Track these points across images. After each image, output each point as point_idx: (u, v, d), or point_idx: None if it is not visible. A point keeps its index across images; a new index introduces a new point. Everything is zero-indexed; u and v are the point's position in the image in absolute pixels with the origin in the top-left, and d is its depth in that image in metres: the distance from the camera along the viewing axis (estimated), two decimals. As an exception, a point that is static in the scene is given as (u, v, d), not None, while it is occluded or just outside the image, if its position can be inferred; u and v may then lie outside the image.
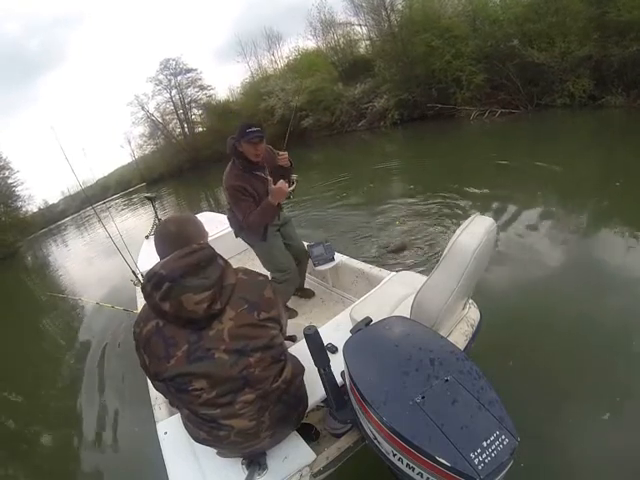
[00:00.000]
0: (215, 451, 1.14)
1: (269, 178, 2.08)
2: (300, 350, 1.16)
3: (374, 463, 0.98)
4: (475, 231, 1.24)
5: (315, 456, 1.18)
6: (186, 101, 24.13)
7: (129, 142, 27.06)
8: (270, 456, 1.18)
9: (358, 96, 14.43)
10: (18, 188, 20.83)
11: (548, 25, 8.31)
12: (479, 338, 1.54)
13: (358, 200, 5.56)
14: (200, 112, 24.23)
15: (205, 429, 1.07)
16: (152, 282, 0.97)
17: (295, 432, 1.24)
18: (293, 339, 1.32)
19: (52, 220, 25.81)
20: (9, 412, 3.09)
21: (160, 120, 24.54)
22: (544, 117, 8.06)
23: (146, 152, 26.34)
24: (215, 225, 3.10)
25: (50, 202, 32.16)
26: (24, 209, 21.27)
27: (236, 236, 2.30)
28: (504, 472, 0.75)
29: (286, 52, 20.94)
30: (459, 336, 1.46)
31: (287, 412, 1.14)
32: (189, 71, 23.87)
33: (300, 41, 19.22)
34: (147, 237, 4.10)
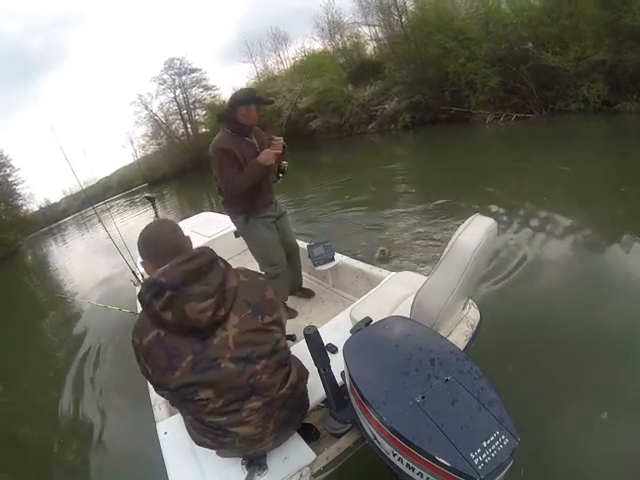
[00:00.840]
0: (215, 451, 1.14)
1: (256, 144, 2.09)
2: (300, 350, 1.16)
3: (374, 463, 0.98)
4: (475, 231, 1.24)
5: (315, 456, 1.18)
6: (190, 101, 23.91)
7: (131, 142, 26.92)
8: (270, 456, 1.18)
9: (368, 98, 13.99)
10: (19, 186, 20.69)
11: (562, 29, 8.17)
12: (480, 339, 1.54)
13: (362, 204, 5.44)
14: (204, 112, 24.03)
15: (210, 436, 1.07)
16: (151, 291, 0.93)
17: (295, 432, 1.24)
18: (292, 338, 1.32)
19: (53, 219, 25.73)
20: (6, 413, 3.09)
21: (163, 120, 24.37)
22: (559, 122, 7.89)
23: (149, 152, 26.17)
24: (215, 225, 3.10)
25: (52, 201, 32.17)
26: (25, 208, 21.16)
27: (236, 236, 2.30)
28: (504, 472, 0.75)
29: (292, 53, 20.75)
30: (459, 336, 1.46)
31: (291, 416, 1.14)
32: (194, 71, 23.66)
33: (306, 42, 19.08)
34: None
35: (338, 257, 2.49)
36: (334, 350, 1.41)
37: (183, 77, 23.52)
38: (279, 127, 16.18)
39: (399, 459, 0.84)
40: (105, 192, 28.98)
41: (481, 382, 0.87)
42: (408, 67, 12.41)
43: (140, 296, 0.95)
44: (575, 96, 7.91)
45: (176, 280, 0.92)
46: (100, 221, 3.66)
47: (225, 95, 23.73)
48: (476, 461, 0.73)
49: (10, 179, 20.34)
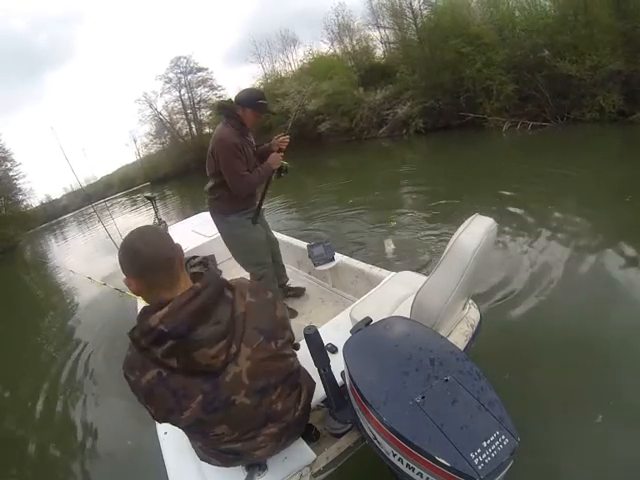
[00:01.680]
0: None
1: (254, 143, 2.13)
2: (300, 350, 1.16)
3: (374, 463, 0.98)
4: (475, 231, 1.24)
5: (315, 456, 1.18)
6: (195, 100, 23.71)
7: (134, 140, 26.84)
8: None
9: (379, 102, 13.66)
10: (20, 181, 20.65)
11: (578, 37, 8.02)
12: (481, 340, 1.54)
13: (373, 208, 5.34)
14: (209, 113, 23.83)
15: (222, 458, 1.05)
16: (148, 339, 0.79)
17: None
18: (296, 347, 1.31)
19: (54, 215, 25.79)
20: (5, 412, 3.08)
21: (167, 119, 24.22)
22: (576, 131, 7.70)
23: (152, 151, 26.06)
24: (213, 226, 3.10)
25: (53, 197, 32.23)
26: (25, 203, 21.16)
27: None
28: (504, 472, 0.75)
29: (300, 55, 20.50)
30: (459, 336, 1.46)
31: (300, 427, 1.15)
32: (200, 70, 23.50)
33: (314, 45, 18.92)
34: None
35: (338, 257, 2.49)
36: (334, 350, 1.41)
37: (189, 76, 23.41)
38: (286, 129, 16.10)
39: (399, 459, 0.84)
40: (107, 190, 29.03)
41: (481, 382, 0.87)
42: (421, 71, 12.16)
43: (132, 338, 0.81)
44: (591, 105, 7.76)
45: (181, 328, 0.78)
46: (99, 220, 3.66)
47: (231, 96, 24.01)
48: (476, 461, 0.73)
49: (11, 174, 20.29)
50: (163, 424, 1.38)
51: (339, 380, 1.12)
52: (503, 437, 0.76)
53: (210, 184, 2.12)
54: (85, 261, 7.80)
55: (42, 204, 29.16)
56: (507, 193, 4.49)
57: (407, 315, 1.30)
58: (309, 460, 1.17)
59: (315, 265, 2.47)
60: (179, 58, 23.09)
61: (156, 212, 4.23)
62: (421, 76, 12.16)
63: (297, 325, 2.19)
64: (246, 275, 2.29)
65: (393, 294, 1.69)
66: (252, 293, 0.95)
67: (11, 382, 3.56)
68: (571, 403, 1.71)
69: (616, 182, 4.24)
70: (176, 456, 1.28)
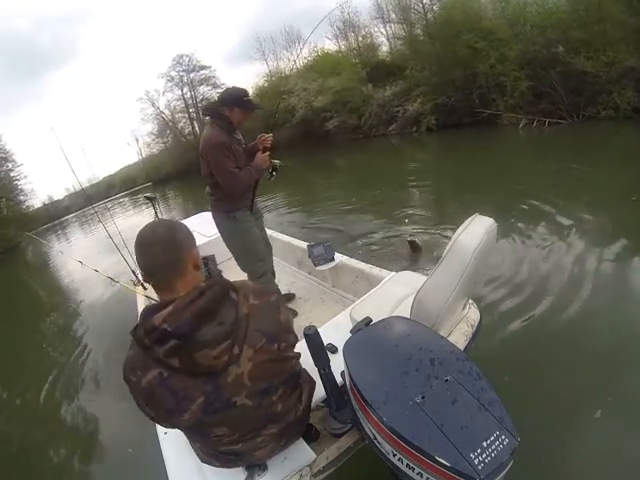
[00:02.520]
0: None
1: (243, 141, 2.15)
2: (300, 350, 1.16)
3: (374, 463, 0.98)
4: (475, 231, 1.24)
5: (315, 456, 1.18)
6: (198, 99, 23.34)
7: (136, 140, 26.78)
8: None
9: (388, 99, 13.32)
10: (21, 182, 20.57)
11: (591, 34, 7.87)
12: (480, 340, 1.54)
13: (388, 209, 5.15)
14: None
15: (222, 460, 1.05)
16: (152, 337, 0.78)
17: None
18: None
19: (56, 216, 25.80)
20: (5, 412, 3.09)
21: (170, 118, 23.96)
22: (593, 129, 7.52)
23: (154, 150, 25.84)
24: (213, 226, 3.10)
25: (55, 198, 32.21)
26: (27, 203, 21.06)
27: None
28: (504, 472, 0.75)
29: (305, 52, 20.07)
30: (459, 336, 1.46)
31: (300, 427, 1.15)
32: (202, 68, 23.18)
33: (319, 42, 18.47)
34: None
35: (338, 257, 2.49)
36: (334, 350, 1.41)
37: (191, 74, 23.07)
38: (290, 127, 16.01)
39: (399, 459, 0.84)
40: (108, 190, 29.08)
41: (481, 382, 0.87)
42: (432, 67, 11.86)
43: (136, 336, 0.81)
44: (606, 103, 7.62)
45: (184, 327, 0.78)
46: (100, 221, 3.66)
47: None
48: (476, 461, 0.73)
49: (12, 174, 20.23)
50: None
51: (339, 380, 1.12)
52: (503, 437, 0.76)
53: (208, 186, 2.15)
54: (88, 261, 7.77)
55: (44, 205, 29.18)
56: (536, 194, 4.25)
57: (407, 315, 1.30)
58: (309, 460, 1.17)
59: (315, 265, 2.47)
60: (181, 56, 22.86)
61: (156, 212, 4.23)
62: (432, 72, 11.86)
63: (297, 325, 2.17)
64: (243, 275, 2.29)
65: (393, 294, 1.69)
66: (256, 295, 0.94)
67: (11, 382, 3.57)
68: (571, 403, 1.71)
69: (628, 182, 4.17)
70: (176, 456, 1.28)
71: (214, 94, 23.41)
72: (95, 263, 3.70)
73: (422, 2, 12.58)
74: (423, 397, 0.84)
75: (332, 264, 2.46)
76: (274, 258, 2.55)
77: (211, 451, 1.02)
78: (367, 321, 1.14)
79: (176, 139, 24.02)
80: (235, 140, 2.06)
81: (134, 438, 2.12)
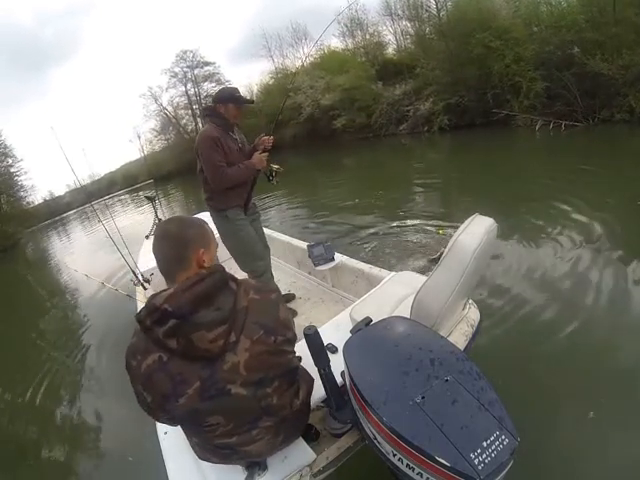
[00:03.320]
0: None
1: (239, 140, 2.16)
2: (300, 350, 1.16)
3: (374, 463, 0.98)
4: (475, 231, 1.24)
5: (315, 456, 1.18)
6: (202, 96, 22.94)
7: (138, 137, 26.39)
8: (270, 456, 1.18)
9: (398, 97, 13.10)
10: (21, 177, 20.28)
11: (605, 35, 7.77)
12: (480, 340, 1.54)
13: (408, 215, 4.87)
14: None
15: (218, 454, 1.05)
16: (153, 317, 0.83)
17: None
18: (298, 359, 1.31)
19: (57, 212, 25.63)
20: (5, 412, 3.08)
21: (173, 114, 23.60)
22: (608, 132, 7.36)
23: (155, 148, 25.51)
24: (213, 225, 3.10)
25: (56, 194, 32.05)
26: (27, 199, 20.83)
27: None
28: (504, 472, 0.75)
29: (312, 50, 19.70)
30: (459, 336, 1.46)
31: (299, 425, 1.15)
32: (207, 64, 22.84)
33: (325, 39, 18.06)
34: (147, 237, 4.10)
35: (338, 257, 2.49)
36: (334, 350, 1.41)
37: (196, 70, 22.66)
38: (298, 124, 15.78)
39: (399, 459, 0.84)
40: (110, 187, 28.97)
41: (481, 382, 0.87)
42: (444, 66, 11.57)
43: (139, 319, 0.86)
44: (620, 106, 7.53)
45: (184, 308, 0.83)
46: (100, 220, 3.66)
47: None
48: (476, 461, 0.73)
49: (12, 170, 19.90)
50: (163, 424, 1.39)
51: (339, 380, 1.12)
52: (503, 437, 0.76)
53: (202, 184, 2.15)
54: (89, 260, 7.76)
55: (45, 201, 29.08)
56: (557, 196, 4.11)
57: (407, 315, 1.30)
58: (309, 460, 1.17)
59: (315, 265, 2.47)
60: (185, 52, 22.47)
61: (156, 212, 4.24)
62: (443, 71, 11.64)
63: (297, 325, 2.17)
64: (243, 274, 2.29)
65: (393, 294, 1.69)
66: (256, 291, 0.98)
67: (10, 382, 3.56)
68: (571, 403, 1.71)
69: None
70: (176, 456, 1.28)
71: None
72: (96, 263, 3.70)
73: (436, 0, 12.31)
74: (423, 397, 0.84)
75: (332, 264, 2.46)
76: (274, 258, 2.55)
77: (207, 445, 1.03)
78: (367, 321, 1.14)
79: (179, 136, 23.69)
80: (230, 138, 2.08)
81: (134, 438, 2.12)
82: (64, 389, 3.04)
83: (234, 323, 0.89)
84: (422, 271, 2.75)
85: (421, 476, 0.80)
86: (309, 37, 20.31)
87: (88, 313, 4.57)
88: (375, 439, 0.91)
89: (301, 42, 20.69)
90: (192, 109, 23.53)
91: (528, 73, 9.21)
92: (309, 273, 2.91)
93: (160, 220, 4.07)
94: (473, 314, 1.58)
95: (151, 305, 0.84)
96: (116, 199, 21.43)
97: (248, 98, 2.19)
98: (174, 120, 23.82)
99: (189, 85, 23.05)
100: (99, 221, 3.66)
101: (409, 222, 4.47)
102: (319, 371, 1.07)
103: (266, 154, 2.14)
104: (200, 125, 23.15)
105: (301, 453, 1.18)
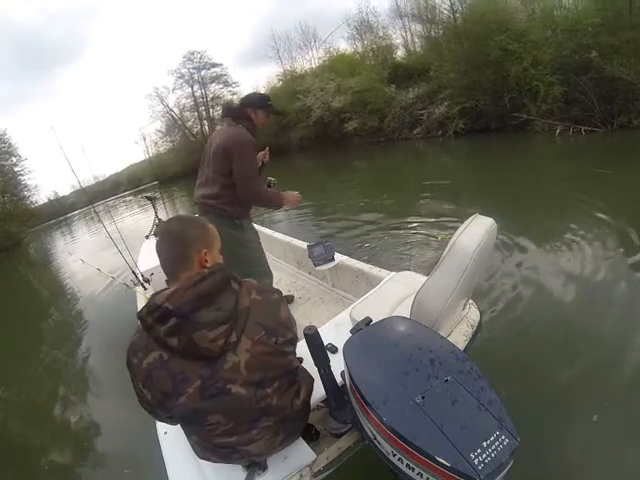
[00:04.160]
0: None
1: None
2: (300, 350, 1.16)
3: (374, 463, 0.98)
4: (475, 231, 1.25)
5: (315, 456, 1.18)
6: (208, 97, 22.78)
7: (144, 138, 26.17)
8: (270, 456, 1.18)
9: (411, 101, 12.82)
10: (25, 177, 20.15)
11: (622, 40, 7.63)
12: (480, 340, 1.54)
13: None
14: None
15: (218, 454, 1.05)
16: (155, 315, 0.84)
17: None
18: (299, 361, 1.30)
19: (62, 212, 25.60)
20: (5, 413, 3.08)
21: (179, 116, 23.37)
22: (630, 138, 7.10)
23: (161, 149, 25.29)
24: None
25: (61, 194, 31.92)
26: (31, 199, 20.66)
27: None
28: (504, 472, 0.75)
29: (320, 53, 19.65)
30: (459, 336, 1.46)
31: (299, 426, 1.15)
32: (214, 65, 22.54)
33: (334, 42, 18.23)
34: (147, 237, 4.10)
35: (338, 257, 2.49)
36: (334, 350, 1.41)
37: (202, 72, 22.39)
38: (306, 127, 15.59)
39: (399, 459, 0.84)
40: (115, 188, 28.99)
41: (481, 382, 0.87)
42: (459, 69, 11.29)
43: (140, 317, 0.86)
44: (638, 111, 7.40)
45: (185, 307, 0.83)
46: (100, 221, 3.67)
47: (246, 92, 23.20)
48: (476, 461, 0.73)
49: (16, 169, 19.79)
50: (163, 423, 1.39)
51: (339, 380, 1.12)
52: (503, 437, 0.76)
53: (217, 186, 1.94)
54: (91, 260, 7.74)
55: (50, 201, 29.02)
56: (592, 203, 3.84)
57: (407, 315, 1.30)
58: (309, 460, 1.17)
59: (315, 265, 2.47)
60: (192, 53, 22.18)
61: (156, 212, 4.24)
62: (459, 74, 11.34)
63: (297, 325, 2.19)
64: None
65: (393, 294, 1.69)
66: (258, 292, 0.98)
67: (10, 381, 3.56)
68: (571, 403, 1.71)
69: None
70: (176, 456, 1.28)
71: (225, 92, 22.98)
72: (97, 263, 3.70)
73: (450, 1, 12.01)
74: (423, 397, 0.84)
75: (332, 264, 2.46)
76: (274, 258, 2.55)
77: (207, 444, 1.03)
78: (367, 321, 1.14)
79: (184, 138, 23.47)
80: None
81: (134, 438, 2.12)
82: (64, 388, 3.04)
83: (235, 323, 0.89)
84: (422, 271, 2.75)
85: (421, 476, 0.80)
86: (318, 39, 20.17)
87: (89, 313, 4.57)
88: (375, 439, 0.91)
89: (310, 44, 20.52)
90: (198, 111, 23.30)
91: (546, 77, 9.03)
92: (309, 273, 2.91)
93: (160, 220, 4.08)
94: (473, 314, 1.59)
95: (152, 303, 0.84)
96: (120, 200, 21.36)
97: (276, 107, 2.10)
98: (180, 122, 23.60)
99: (196, 87, 22.86)
100: (98, 221, 3.68)
101: (418, 225, 4.41)
102: (319, 371, 1.07)
103: (300, 196, 2.13)
104: (207, 128, 23.02)
105: (301, 453, 1.18)
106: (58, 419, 2.68)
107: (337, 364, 1.07)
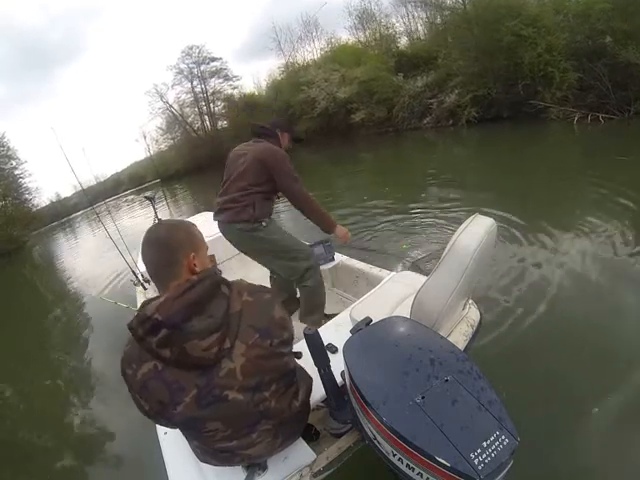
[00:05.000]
0: None
1: None
2: (300, 350, 1.16)
3: (374, 463, 0.98)
4: (475, 231, 1.24)
5: (315, 456, 1.18)
6: (209, 92, 22.35)
7: (144, 136, 25.72)
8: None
9: (420, 90, 12.32)
10: (25, 180, 19.90)
11: (634, 25, 7.41)
12: (480, 340, 1.54)
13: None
14: (223, 105, 22.41)
15: (219, 458, 1.04)
16: (145, 327, 0.81)
17: None
18: (298, 356, 1.30)
19: (64, 213, 25.31)
20: (5, 413, 3.08)
21: (179, 112, 22.99)
22: None
23: (162, 147, 24.92)
24: (213, 225, 3.11)
25: (63, 195, 31.71)
26: (32, 202, 20.38)
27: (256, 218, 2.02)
28: (504, 472, 0.75)
29: (322, 43, 19.44)
30: (459, 336, 1.46)
31: (298, 426, 1.15)
32: (213, 60, 22.06)
33: (336, 32, 18.03)
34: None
35: (338, 257, 2.49)
36: (334, 350, 1.41)
37: (202, 66, 21.94)
38: (311, 119, 15.33)
39: (399, 459, 0.84)
40: (116, 187, 28.84)
41: (481, 382, 0.87)
42: (469, 56, 10.84)
43: (131, 328, 0.84)
44: None
45: (175, 318, 0.81)
46: (100, 221, 3.68)
47: (247, 86, 21.91)
48: (476, 461, 0.73)
49: (16, 172, 19.53)
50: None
51: (339, 380, 1.12)
52: (503, 437, 0.76)
53: (249, 197, 1.97)
54: (92, 262, 7.72)
55: (52, 202, 28.84)
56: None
57: (407, 315, 1.30)
58: (309, 460, 1.17)
59: (315, 265, 2.47)
60: (191, 47, 21.73)
61: (156, 212, 4.23)
62: (469, 61, 10.87)
63: (297, 325, 2.19)
64: (243, 275, 2.25)
65: (393, 294, 1.69)
66: (250, 293, 0.96)
67: (13, 384, 3.57)
68: (571, 403, 1.71)
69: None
70: (176, 456, 1.28)
71: (226, 86, 22.57)
72: (99, 264, 3.70)
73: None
74: (423, 397, 0.84)
75: (332, 264, 2.45)
76: None
77: (207, 449, 1.02)
78: (367, 321, 1.13)
79: (185, 134, 23.10)
80: None
81: (134, 438, 2.12)
82: (64, 390, 3.04)
83: (228, 329, 0.87)
84: (422, 271, 2.74)
85: (421, 476, 0.80)
86: (320, 29, 19.85)
87: (92, 316, 4.56)
88: (375, 439, 0.91)
89: (312, 35, 20.18)
90: (199, 107, 22.89)
91: (560, 63, 8.74)
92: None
93: (160, 220, 4.07)
94: (473, 314, 1.59)
95: (142, 314, 0.82)
96: (122, 199, 21.26)
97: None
98: (180, 118, 23.18)
99: (195, 82, 22.41)
100: (98, 221, 3.68)
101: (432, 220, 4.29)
102: (319, 371, 1.07)
103: (349, 234, 2.17)
104: (208, 123, 22.84)
105: (301, 453, 1.18)
106: (58, 420, 2.68)
107: (337, 364, 1.06)
